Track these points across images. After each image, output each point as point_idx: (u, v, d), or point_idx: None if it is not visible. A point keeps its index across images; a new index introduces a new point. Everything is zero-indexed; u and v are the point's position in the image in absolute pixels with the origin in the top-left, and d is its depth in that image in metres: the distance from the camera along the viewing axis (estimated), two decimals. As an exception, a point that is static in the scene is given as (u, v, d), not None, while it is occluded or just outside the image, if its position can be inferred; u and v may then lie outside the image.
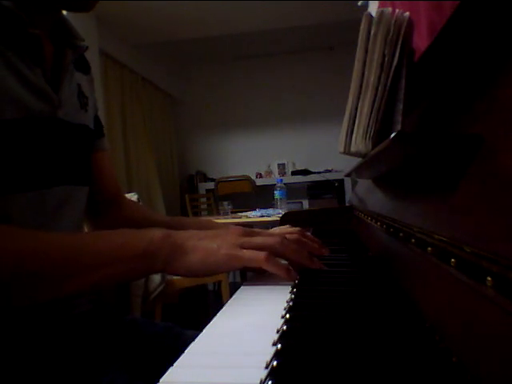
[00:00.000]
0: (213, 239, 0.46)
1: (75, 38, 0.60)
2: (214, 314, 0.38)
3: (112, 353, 0.56)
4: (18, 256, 0.39)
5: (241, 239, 0.46)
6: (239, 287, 0.49)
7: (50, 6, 0.55)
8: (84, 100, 0.63)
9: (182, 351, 0.29)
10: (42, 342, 0.51)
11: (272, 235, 0.50)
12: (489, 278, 0.22)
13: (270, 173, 4.15)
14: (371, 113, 0.55)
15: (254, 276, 0.54)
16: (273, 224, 2.12)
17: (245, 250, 0.45)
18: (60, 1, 0.54)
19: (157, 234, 0.45)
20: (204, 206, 3.80)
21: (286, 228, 0.65)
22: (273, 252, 0.46)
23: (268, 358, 0.26)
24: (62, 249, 0.42)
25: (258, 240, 0.47)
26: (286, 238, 0.50)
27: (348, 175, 0.86)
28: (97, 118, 0.71)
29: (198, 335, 0.32)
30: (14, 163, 0.48)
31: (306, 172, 3.91)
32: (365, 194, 0.86)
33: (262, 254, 0.45)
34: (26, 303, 0.44)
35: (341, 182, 3.74)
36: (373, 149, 0.54)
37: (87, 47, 0.62)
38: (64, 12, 0.60)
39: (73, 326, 0.56)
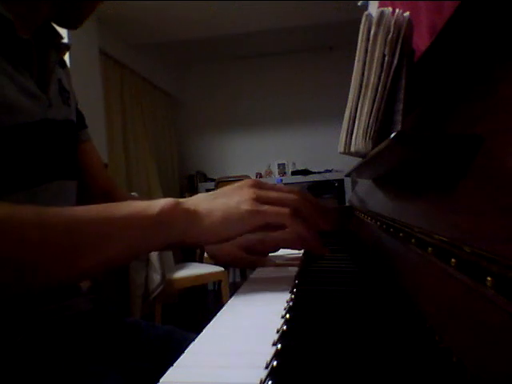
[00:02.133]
0: (228, 196, 0.43)
1: (57, 37, 0.60)
2: (214, 314, 0.38)
3: (112, 355, 0.56)
4: (24, 232, 0.34)
5: (257, 192, 0.43)
6: (239, 287, 0.49)
7: (40, 19, 0.55)
8: (66, 95, 0.63)
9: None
10: (40, 341, 0.51)
11: (289, 191, 0.46)
12: (489, 278, 0.22)
13: (270, 173, 4.15)
14: (371, 113, 0.55)
15: (254, 276, 0.54)
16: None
17: (267, 206, 0.42)
18: (50, 17, 0.55)
19: (166, 201, 0.41)
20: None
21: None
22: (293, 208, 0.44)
23: (268, 358, 0.26)
24: (69, 222, 0.37)
25: (274, 194, 0.44)
26: (303, 197, 0.46)
27: (348, 175, 0.86)
28: (78, 110, 0.70)
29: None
30: (4, 166, 0.48)
31: (306, 172, 3.91)
32: (365, 194, 0.86)
33: (286, 210, 0.42)
34: (40, 285, 0.38)
35: (341, 182, 3.74)
36: (373, 149, 0.54)
37: (70, 46, 0.62)
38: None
39: (72, 325, 0.56)
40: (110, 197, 0.74)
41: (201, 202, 0.43)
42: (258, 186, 0.45)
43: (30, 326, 0.51)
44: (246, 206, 0.42)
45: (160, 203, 0.41)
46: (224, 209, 0.42)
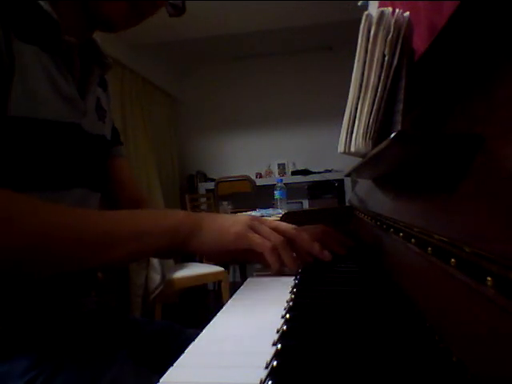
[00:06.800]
0: (227, 218, 0.51)
1: (102, 57, 0.64)
2: (214, 314, 0.38)
3: (117, 346, 0.58)
4: (48, 232, 0.40)
5: (252, 222, 0.50)
6: (239, 287, 0.49)
7: (84, 24, 0.58)
8: (103, 113, 0.66)
9: (182, 347, 0.29)
10: (52, 336, 0.52)
11: (279, 231, 0.52)
12: (489, 278, 0.22)
13: (270, 173, 4.15)
14: (371, 113, 0.55)
15: (255, 276, 0.54)
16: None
17: (255, 234, 0.49)
18: (92, 21, 0.58)
19: (181, 212, 0.50)
20: (204, 206, 3.80)
21: (311, 227, 0.66)
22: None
23: (268, 358, 0.26)
24: (97, 224, 0.45)
25: (266, 228, 0.51)
26: (286, 243, 0.51)
27: (348, 175, 0.86)
28: (114, 129, 0.74)
29: (197, 333, 0.32)
30: (36, 161, 0.50)
31: (306, 172, 3.90)
32: (365, 193, 0.86)
33: (268, 243, 0.48)
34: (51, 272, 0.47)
35: (341, 182, 3.74)
36: (373, 149, 0.54)
37: (112, 65, 0.66)
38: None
39: (81, 322, 0.58)
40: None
41: (205, 217, 0.51)
42: (256, 219, 0.52)
43: (43, 321, 0.52)
44: (235, 229, 0.49)
45: (176, 212, 0.50)
46: (219, 229, 0.50)
